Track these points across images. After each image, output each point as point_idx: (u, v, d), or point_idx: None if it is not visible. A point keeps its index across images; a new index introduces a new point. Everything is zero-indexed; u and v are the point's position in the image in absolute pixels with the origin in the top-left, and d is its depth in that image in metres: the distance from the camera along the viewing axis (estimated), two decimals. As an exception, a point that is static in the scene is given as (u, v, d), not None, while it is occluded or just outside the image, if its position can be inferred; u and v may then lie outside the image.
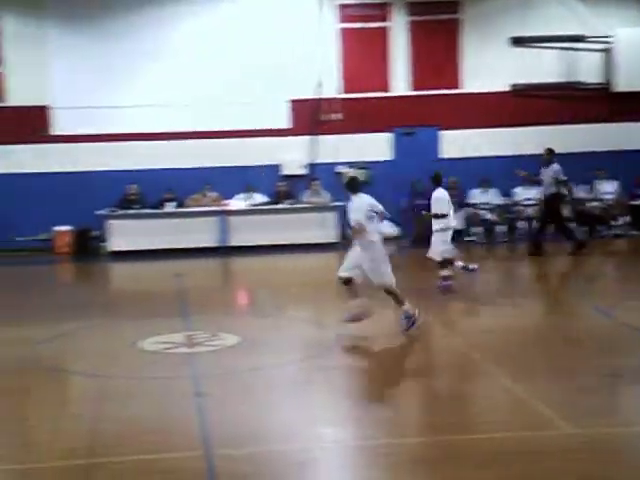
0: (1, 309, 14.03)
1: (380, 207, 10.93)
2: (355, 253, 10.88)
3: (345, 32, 20.20)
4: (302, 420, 7.88)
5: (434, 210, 13.29)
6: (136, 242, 18.09)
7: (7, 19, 19.03)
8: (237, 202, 19.22)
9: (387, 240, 10.39)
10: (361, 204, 10.77)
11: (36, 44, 19.05)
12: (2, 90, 19.08)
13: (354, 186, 11.00)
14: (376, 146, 20.23)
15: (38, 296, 14.92)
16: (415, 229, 18.63)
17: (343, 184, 11.50)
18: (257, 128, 19.66)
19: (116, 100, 19.10)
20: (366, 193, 11.11)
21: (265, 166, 19.55)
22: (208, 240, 18.43)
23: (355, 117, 19.92)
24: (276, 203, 19.42)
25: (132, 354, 10.51)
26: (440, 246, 13.31)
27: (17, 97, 19.01)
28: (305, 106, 19.86)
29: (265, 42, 19.68)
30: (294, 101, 19.95)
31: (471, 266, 13.76)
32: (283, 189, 19.66)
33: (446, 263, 13.45)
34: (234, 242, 18.62)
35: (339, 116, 19.95)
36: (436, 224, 13.34)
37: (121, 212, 18.53)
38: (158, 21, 19.47)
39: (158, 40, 19.37)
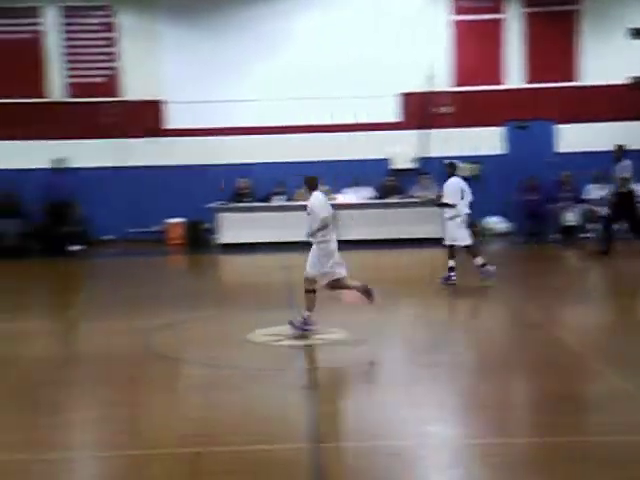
0: (116, 299, 14.38)
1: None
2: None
3: (458, 24, 19.92)
4: (410, 417, 7.76)
5: (446, 199, 13.71)
6: (245, 235, 18.27)
7: (123, 16, 19.47)
8: (345, 196, 19.19)
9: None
10: (321, 202, 11.03)
11: (150, 40, 19.43)
12: (119, 85, 19.53)
13: (312, 185, 11.24)
14: (488, 140, 19.87)
15: (152, 286, 15.22)
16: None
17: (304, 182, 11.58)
18: (366, 122, 19.57)
19: (228, 94, 19.32)
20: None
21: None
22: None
23: (467, 110, 19.62)
24: (384, 197, 19.29)
25: (242, 345, 10.58)
26: (456, 232, 13.66)
27: (132, 92, 19.43)
28: (415, 99, 19.67)
29: (376, 35, 19.58)
30: (404, 94, 19.78)
31: (491, 267, 13.56)
32: (391, 183, 19.51)
33: (473, 250, 13.77)
34: (343, 236, 18.53)
35: (450, 109, 19.68)
36: (447, 213, 13.80)
37: (231, 205, 18.74)
38: (270, 16, 19.60)
39: (270, 34, 19.50)
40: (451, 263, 13.75)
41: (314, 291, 10.76)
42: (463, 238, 13.73)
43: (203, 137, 19.30)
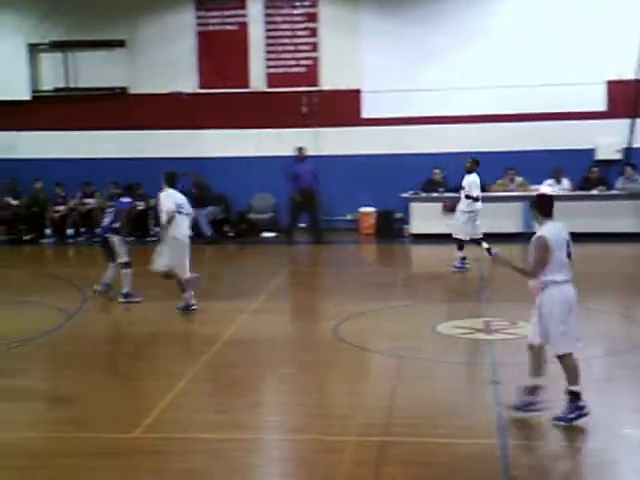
0: (307, 286, 14.65)
1: (188, 208, 12.00)
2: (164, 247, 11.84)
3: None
4: (604, 418, 7.43)
5: (469, 192, 14.51)
6: (436, 225, 18.08)
7: (324, 5, 19.71)
8: (545, 187, 18.60)
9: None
10: (168, 200, 11.74)
11: (350, 29, 19.57)
12: (317, 74, 19.82)
13: (170, 181, 11.93)
14: None
15: (342, 275, 15.39)
16: None
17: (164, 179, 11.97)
18: (569, 111, 18.86)
19: (424, 83, 19.17)
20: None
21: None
22: (511, 226, 18.01)
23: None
24: (586, 189, 18.54)
25: (430, 337, 10.50)
26: (466, 226, 14.43)
27: (331, 82, 19.66)
28: (624, 87, 18.76)
29: (581, 20, 18.81)
30: (612, 82, 18.91)
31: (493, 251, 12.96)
32: (595, 175, 18.72)
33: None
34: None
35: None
36: (467, 206, 14.51)
37: (424, 195, 18.60)
38: (469, 3, 19.26)
39: (469, 22, 19.16)
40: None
41: None
42: (474, 233, 14.59)
43: (398, 126, 19.25)
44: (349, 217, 19.52)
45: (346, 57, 19.55)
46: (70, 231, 19.11)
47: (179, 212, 11.76)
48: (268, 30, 19.80)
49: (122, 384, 9.11)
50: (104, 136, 19.59)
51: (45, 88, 19.84)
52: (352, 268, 16.12)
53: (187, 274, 11.81)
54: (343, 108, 19.56)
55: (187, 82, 19.71)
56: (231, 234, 19.15)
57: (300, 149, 18.48)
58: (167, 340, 10.71)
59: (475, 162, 14.88)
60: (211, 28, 19.87)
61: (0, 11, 19.69)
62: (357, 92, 19.59)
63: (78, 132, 19.59)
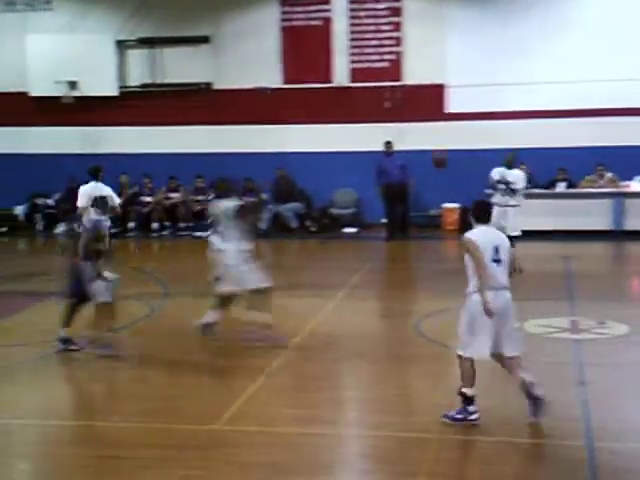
0: (388, 281, 14.57)
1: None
2: None
3: None
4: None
5: (517, 187, 14.38)
6: (523, 222, 17.73)
7: (410, 0, 19.55)
8: (636, 184, 18.12)
9: None
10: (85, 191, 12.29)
11: (435, 22, 19.38)
12: (401, 69, 19.69)
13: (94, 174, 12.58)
14: None
15: (427, 271, 15.28)
16: None
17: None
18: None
19: (510, 77, 18.85)
20: None
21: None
22: (601, 223, 17.60)
23: None
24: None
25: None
26: (518, 222, 14.27)
27: (414, 76, 19.51)
28: None
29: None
30: None
31: None
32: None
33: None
34: (630, 226, 17.59)
35: None
36: (515, 201, 14.36)
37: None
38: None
39: (558, 14, 18.77)
40: None
41: None
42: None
43: (482, 121, 18.99)
44: (432, 213, 19.35)
45: (430, 51, 19.37)
46: (155, 225, 19.40)
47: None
48: (352, 25, 19.75)
49: (204, 377, 9.19)
50: (189, 131, 19.83)
51: (132, 84, 20.18)
52: (435, 264, 15.97)
53: None
54: (426, 103, 19.39)
55: (271, 77, 19.81)
56: (313, 229, 19.19)
57: (388, 143, 18.36)
58: (249, 333, 10.74)
59: (513, 158, 14.73)
60: (295, 23, 19.92)
61: (90, 9, 20.08)
62: (441, 86, 19.39)
63: (163, 127, 19.88)
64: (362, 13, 19.71)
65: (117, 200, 12.97)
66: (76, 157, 19.76)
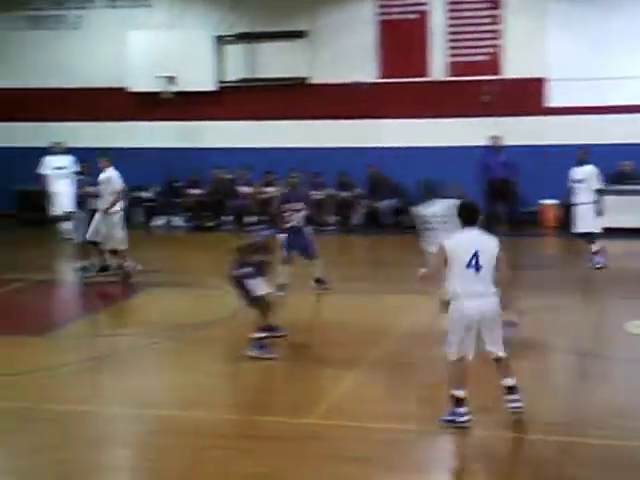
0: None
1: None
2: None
3: None
4: None
5: (588, 185, 14.14)
6: (626, 219, 17.25)
7: (508, -9, 19.21)
8: None
9: None
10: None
11: (536, 15, 18.96)
12: (500, 63, 19.35)
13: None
14: None
15: (523, 268, 14.97)
16: None
17: None
18: None
19: (612, 71, 18.29)
20: None
21: None
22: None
23: None
24: None
25: (615, 335, 10.04)
26: (591, 219, 14.06)
27: (514, 70, 19.14)
28: None
29: None
30: None
31: None
32: None
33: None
34: None
35: None
36: (587, 198, 14.15)
37: (611, 188, 17.75)
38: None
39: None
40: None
41: None
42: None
43: (584, 115, 18.51)
44: (530, 209, 18.95)
45: (530, 44, 18.97)
46: (250, 219, 19.51)
47: None
48: (450, 18, 19.49)
49: (297, 371, 9.19)
50: (285, 126, 19.90)
51: (229, 79, 20.37)
52: (531, 262, 15.63)
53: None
54: (526, 97, 19.00)
55: (367, 72, 19.71)
56: (407, 225, 19.01)
57: (493, 138, 18.04)
58: (343, 329, 10.71)
59: (583, 154, 14.55)
60: (392, 17, 19.77)
61: (189, 5, 20.34)
62: (541, 80, 18.97)
63: (260, 122, 20.00)
64: (461, 6, 19.43)
65: None
66: (174, 151, 20.11)
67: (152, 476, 6.73)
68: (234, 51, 20.33)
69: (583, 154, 14.61)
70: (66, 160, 18.17)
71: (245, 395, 8.41)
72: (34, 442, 7.23)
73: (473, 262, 7.06)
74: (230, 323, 10.48)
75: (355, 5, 19.79)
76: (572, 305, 11.66)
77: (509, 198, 17.94)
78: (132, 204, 20.21)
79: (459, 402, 7.27)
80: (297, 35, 19.92)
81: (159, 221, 19.96)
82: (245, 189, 19.35)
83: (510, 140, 18.31)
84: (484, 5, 19.29)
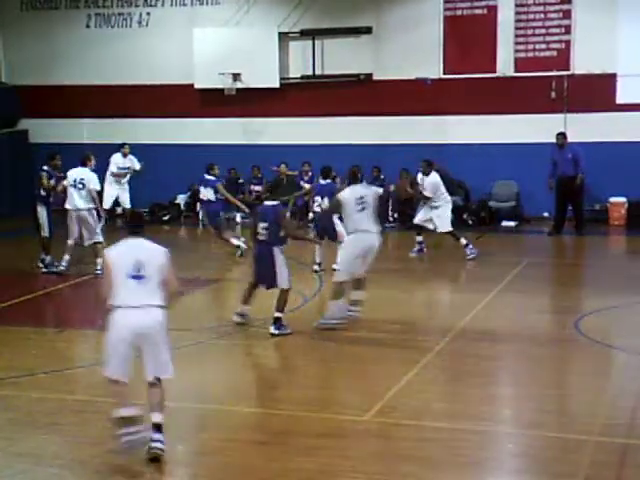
0: (549, 278, 14.06)
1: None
2: None
3: None
4: None
5: None
6: None
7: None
8: None
9: None
10: None
11: (606, 9, 18.50)
12: (569, 58, 18.97)
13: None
14: None
15: (590, 267, 14.68)
16: None
17: None
18: None
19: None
20: None
21: None
22: None
23: None
24: None
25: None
26: None
27: (583, 65, 18.74)
28: None
29: None
30: None
31: None
32: None
33: None
34: None
35: None
36: None
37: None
38: None
39: None
40: None
41: None
42: None
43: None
44: (597, 207, 18.53)
45: (601, 40, 18.53)
46: (312, 215, 19.42)
47: None
48: (518, 13, 19.16)
49: (354, 368, 9.11)
50: (348, 122, 19.80)
51: (292, 75, 20.35)
52: (599, 260, 15.31)
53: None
54: (596, 93, 18.57)
55: (432, 68, 19.49)
56: (470, 222, 18.78)
57: (560, 135, 17.68)
58: (402, 327, 10.58)
59: None
60: (459, 13, 19.52)
61: (254, 2, 20.37)
62: (612, 76, 18.52)
63: (323, 118, 19.94)
64: (529, 1, 19.09)
65: None
66: (237, 148, 20.17)
67: (211, 472, 6.71)
68: (298, 47, 20.30)
69: None
70: (131, 160, 18.37)
71: (303, 392, 8.35)
72: (93, 434, 7.26)
73: (136, 272, 6.65)
74: (288, 318, 10.41)
75: (421, 1, 19.59)
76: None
77: (577, 195, 17.56)
78: (195, 200, 20.41)
79: (127, 421, 6.73)
80: (362, 31, 19.80)
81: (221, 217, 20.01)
82: (307, 185, 19.29)
83: (579, 137, 17.94)
84: (553, 0, 18.93)
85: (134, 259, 6.66)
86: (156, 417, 6.72)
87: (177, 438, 7.25)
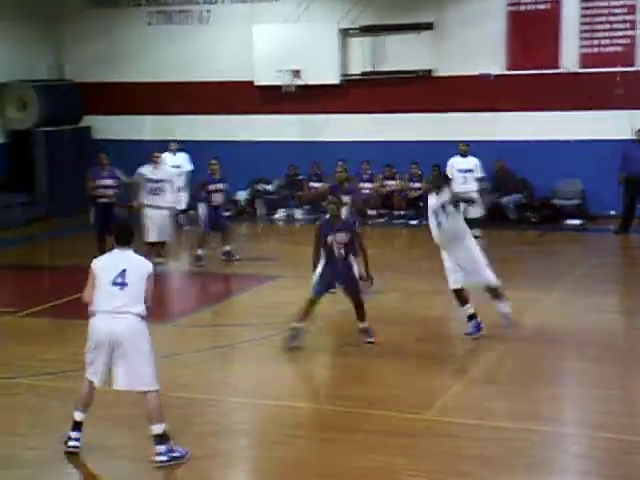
0: (613, 277, 13.76)
1: None
2: None
3: None
4: None
5: None
6: None
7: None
8: None
9: None
10: None
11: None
12: (635, 54, 18.57)
13: None
14: None
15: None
16: None
17: None
18: None
19: None
20: None
21: None
22: None
23: None
24: None
25: None
26: None
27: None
28: None
29: None
30: None
31: None
32: None
33: None
34: None
35: None
36: None
37: None
38: None
39: None
40: None
41: None
42: None
43: None
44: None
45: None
46: (371, 212, 19.33)
47: None
48: (583, 9, 18.81)
49: (415, 366, 9.00)
50: (409, 118, 19.63)
51: (353, 72, 20.24)
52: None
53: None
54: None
55: (494, 63, 19.23)
56: (533, 220, 18.48)
57: (638, 132, 17.28)
58: (456, 325, 10.40)
59: None
60: (522, 8, 19.23)
61: (315, -1, 20.33)
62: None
63: (384, 115, 19.79)
64: (596, -5, 18.76)
65: None
66: (296, 145, 20.14)
67: (274, 466, 6.69)
68: (358, 44, 20.17)
69: None
70: (181, 158, 18.45)
71: (359, 388, 8.29)
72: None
73: (118, 280, 6.63)
74: (341, 316, 10.33)
75: (483, -3, 19.36)
76: None
77: None
78: (255, 196, 20.46)
79: (76, 425, 6.77)
80: (423, 27, 19.59)
81: (280, 214, 20.03)
82: (366, 183, 19.19)
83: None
84: (619, -6, 18.56)
85: (119, 269, 6.71)
86: (151, 429, 6.68)
87: (238, 432, 7.23)
